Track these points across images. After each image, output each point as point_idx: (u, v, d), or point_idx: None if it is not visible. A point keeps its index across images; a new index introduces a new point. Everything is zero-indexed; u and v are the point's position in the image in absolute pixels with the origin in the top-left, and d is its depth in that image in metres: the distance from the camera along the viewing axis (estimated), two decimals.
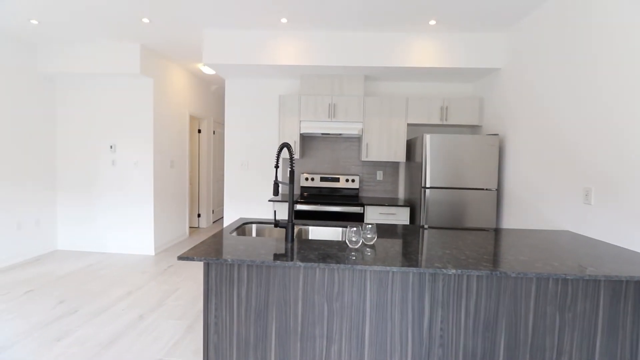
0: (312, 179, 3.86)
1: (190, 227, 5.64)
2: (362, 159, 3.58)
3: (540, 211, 2.64)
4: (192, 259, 1.43)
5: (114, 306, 2.69)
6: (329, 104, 3.55)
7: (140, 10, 2.97)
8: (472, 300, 1.54)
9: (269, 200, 3.32)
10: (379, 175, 3.92)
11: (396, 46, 3.30)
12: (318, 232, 2.15)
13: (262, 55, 3.37)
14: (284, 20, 3.12)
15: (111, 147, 4.11)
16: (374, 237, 1.66)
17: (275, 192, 1.87)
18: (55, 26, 3.35)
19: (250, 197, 4.09)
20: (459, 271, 1.35)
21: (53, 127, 4.15)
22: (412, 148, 3.55)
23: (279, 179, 4.04)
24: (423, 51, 3.30)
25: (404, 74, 3.59)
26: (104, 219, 4.18)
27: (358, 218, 3.31)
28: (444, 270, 1.36)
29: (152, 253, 4.13)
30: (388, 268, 1.38)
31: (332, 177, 3.83)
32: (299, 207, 3.33)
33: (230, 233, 1.91)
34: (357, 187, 3.80)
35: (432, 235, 1.97)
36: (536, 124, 2.69)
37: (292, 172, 1.68)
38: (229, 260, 1.43)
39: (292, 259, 1.44)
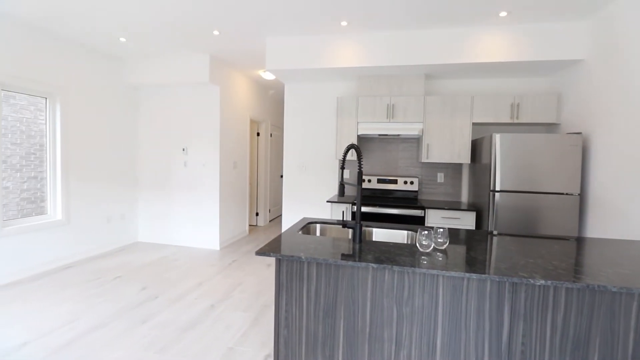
0: (369, 181, 3.83)
1: (249, 225, 5.93)
2: (422, 161, 3.46)
3: (635, 219, 2.31)
4: (269, 255, 1.51)
5: (188, 295, 2.94)
6: (388, 105, 3.50)
7: (213, 24, 3.21)
8: (560, 315, 1.40)
9: (327, 201, 3.37)
10: (440, 178, 3.76)
11: (461, 42, 3.14)
12: (382, 234, 2.13)
13: (321, 59, 3.44)
14: (344, 23, 3.15)
15: (183, 149, 4.50)
16: (446, 242, 1.59)
17: (341, 193, 1.89)
18: (140, 43, 3.77)
19: (308, 198, 4.19)
20: (549, 282, 1.24)
21: (136, 132, 4.68)
22: (477, 149, 3.34)
23: (336, 179, 4.07)
24: (492, 45, 3.09)
25: (469, 70, 3.40)
26: (176, 215, 4.59)
27: (418, 221, 3.21)
28: (531, 281, 1.26)
29: (217, 248, 4.44)
30: (466, 274, 1.32)
31: (389, 179, 3.76)
32: (349, 209, 3.32)
33: (297, 232, 1.98)
34: (416, 189, 3.68)
35: (508, 243, 1.84)
36: (630, 120, 2.37)
37: (360, 174, 1.69)
38: (303, 257, 1.48)
39: (361, 260, 1.45)
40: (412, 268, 1.36)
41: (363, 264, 1.41)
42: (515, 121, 3.30)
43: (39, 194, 3.58)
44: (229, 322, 2.49)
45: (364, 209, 3.33)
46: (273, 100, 6.42)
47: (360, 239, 1.71)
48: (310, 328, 1.64)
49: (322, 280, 1.60)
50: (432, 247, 1.56)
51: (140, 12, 3.00)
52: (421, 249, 1.56)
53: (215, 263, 3.86)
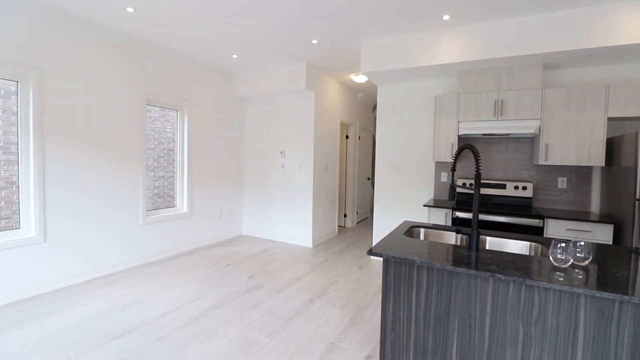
0: (471, 185, 3.53)
1: (338, 226, 6.08)
2: (539, 163, 3.04)
3: None
4: (381, 255, 1.52)
5: (288, 287, 3.17)
6: (495, 101, 3.18)
7: (312, 33, 3.40)
8: None
9: (425, 205, 3.23)
10: (561, 183, 3.24)
11: (592, 23, 2.66)
12: (495, 243, 1.94)
13: (420, 57, 3.32)
14: (446, 17, 2.98)
15: (281, 152, 4.88)
16: (588, 258, 1.37)
17: (451, 197, 1.79)
18: (248, 57, 4.22)
19: (400, 200, 4.09)
20: None
21: (242, 137, 5.25)
22: (615, 148, 2.79)
23: (431, 182, 3.88)
24: (635, 24, 2.54)
25: (602, 56, 2.86)
26: (274, 212, 5.00)
27: (533, 232, 2.83)
28: None
29: (310, 245, 4.67)
30: (624, 297, 1.11)
31: (496, 184, 3.41)
32: (460, 214, 3.10)
33: (402, 235, 1.94)
34: (530, 195, 3.25)
35: None
36: None
37: (478, 176, 1.57)
38: (417, 261, 1.45)
39: (482, 269, 1.34)
40: (549, 284, 1.20)
41: (487, 274, 1.31)
42: None
43: (166, 190, 4.30)
44: (327, 317, 2.59)
45: (464, 215, 3.09)
46: (361, 103, 6.46)
47: (477, 247, 1.59)
48: (419, 335, 1.59)
49: (433, 286, 1.54)
50: (570, 263, 1.35)
51: (251, 31, 3.35)
52: (555, 264, 1.37)
53: (309, 260, 4.06)
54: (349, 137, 6.22)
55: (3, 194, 2.80)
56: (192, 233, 4.45)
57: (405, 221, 2.30)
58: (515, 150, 3.45)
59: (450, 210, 3.15)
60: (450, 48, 3.19)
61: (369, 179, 7.08)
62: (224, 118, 4.91)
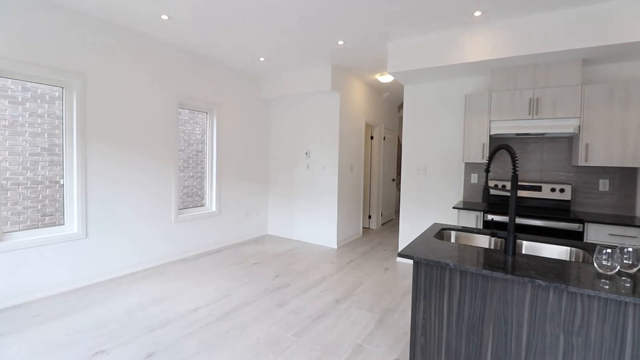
0: (503, 187, 3.40)
1: (362, 227, 6.04)
2: (579, 164, 2.88)
3: None
4: (412, 258, 1.50)
5: (314, 287, 3.19)
6: (530, 99, 3.05)
7: (339, 35, 3.41)
8: None
9: (454, 207, 3.15)
10: (603, 185, 3.05)
11: (637, 14, 2.50)
12: (532, 248, 1.86)
13: (449, 55, 3.25)
14: (477, 13, 2.90)
15: (306, 153, 4.91)
16: (637, 265, 1.29)
17: (485, 198, 1.74)
18: (275, 60, 4.29)
19: (427, 201, 4.00)
20: None
21: (268, 138, 5.34)
22: None
23: (460, 184, 3.77)
24: None
25: None
26: (299, 213, 5.04)
27: (571, 237, 2.68)
28: None
29: (335, 246, 4.67)
30: None
31: (531, 186, 3.26)
32: (493, 217, 3.00)
33: (432, 237, 1.91)
34: (568, 198, 3.08)
35: None
36: None
37: (514, 177, 1.52)
38: (451, 264, 1.42)
39: (520, 274, 1.30)
40: (594, 291, 1.14)
41: (525, 280, 1.26)
42: None
43: (195, 190, 4.44)
44: (354, 319, 2.58)
45: (498, 218, 2.98)
46: (386, 103, 6.39)
47: (514, 251, 1.53)
48: (451, 341, 1.55)
49: (466, 291, 1.50)
50: (616, 270, 1.28)
51: (278, 33, 3.41)
52: (600, 270, 1.30)
53: (334, 260, 4.06)
54: (374, 137, 6.17)
55: (48, 192, 3.00)
56: (221, 232, 4.58)
57: (435, 223, 2.25)
58: (552, 151, 3.28)
59: (482, 212, 3.05)
60: (482, 45, 3.09)
61: (393, 180, 6.98)
62: (251, 120, 5.01)
